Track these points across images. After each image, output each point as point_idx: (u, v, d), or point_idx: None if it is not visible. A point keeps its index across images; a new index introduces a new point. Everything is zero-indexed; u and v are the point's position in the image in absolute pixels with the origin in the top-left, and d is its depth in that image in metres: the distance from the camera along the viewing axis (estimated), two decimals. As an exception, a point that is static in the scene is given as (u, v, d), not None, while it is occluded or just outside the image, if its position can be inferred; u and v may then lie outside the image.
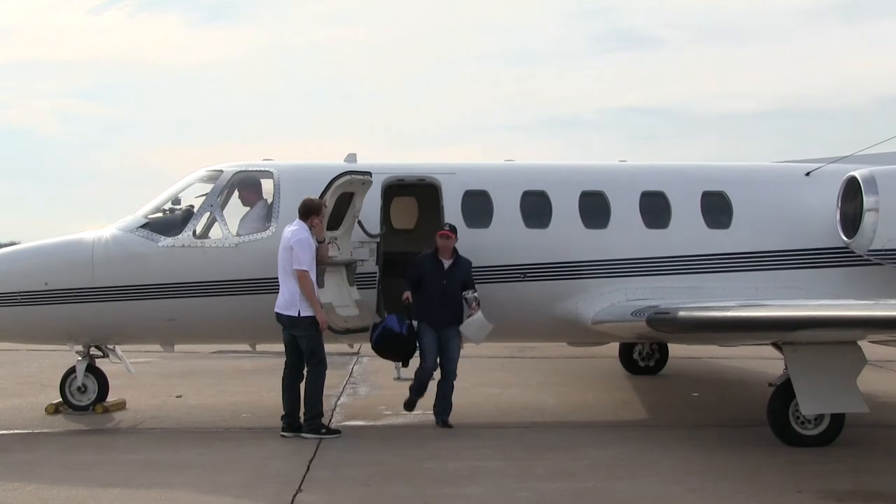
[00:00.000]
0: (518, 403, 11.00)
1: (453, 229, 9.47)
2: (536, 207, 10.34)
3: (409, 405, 9.79)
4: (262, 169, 10.37)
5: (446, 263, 9.44)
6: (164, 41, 65.75)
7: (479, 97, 63.00)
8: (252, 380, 12.55)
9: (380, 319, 9.57)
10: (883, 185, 9.98)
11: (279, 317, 9.06)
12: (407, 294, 9.41)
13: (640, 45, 64.42)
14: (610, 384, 12.58)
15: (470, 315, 9.40)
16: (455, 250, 9.47)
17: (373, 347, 9.56)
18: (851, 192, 10.19)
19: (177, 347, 10.73)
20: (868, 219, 9.95)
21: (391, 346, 9.50)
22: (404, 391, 10.89)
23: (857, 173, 10.19)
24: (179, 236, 9.84)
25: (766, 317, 8.49)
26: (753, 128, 56.88)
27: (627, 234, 10.36)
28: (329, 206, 9.47)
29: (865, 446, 8.78)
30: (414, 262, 9.53)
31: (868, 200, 9.95)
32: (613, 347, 13.29)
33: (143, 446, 8.69)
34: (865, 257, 10.20)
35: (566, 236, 10.29)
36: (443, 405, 9.59)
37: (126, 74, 67.35)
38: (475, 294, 9.47)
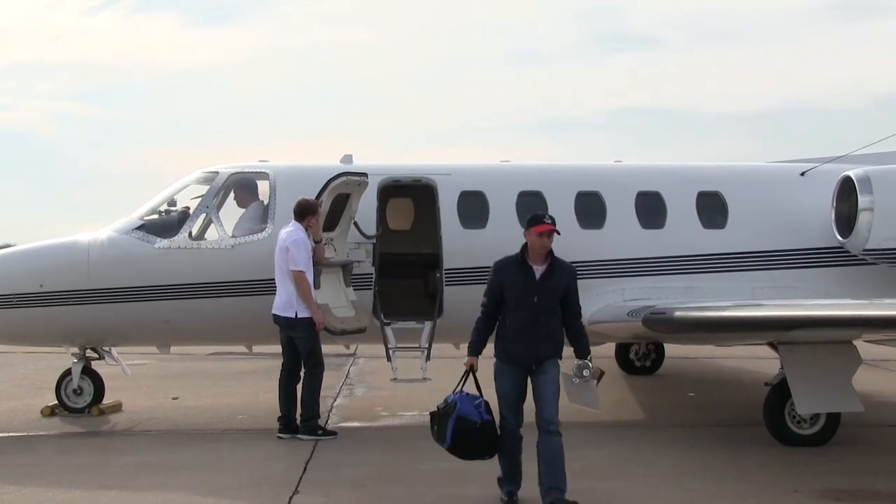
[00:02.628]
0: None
1: (553, 220, 6.67)
2: (532, 208, 10.33)
3: (509, 497, 6.74)
4: (259, 170, 10.38)
5: (538, 271, 6.56)
6: (160, 43, 65.69)
7: (477, 98, 63.05)
8: (248, 381, 12.55)
9: (444, 405, 6.69)
10: (878, 184, 10.01)
11: (276, 318, 9.06)
12: (472, 360, 6.65)
13: (638, 45, 64.52)
14: (606, 384, 12.46)
15: (584, 381, 6.71)
16: (551, 253, 6.71)
17: (449, 450, 6.71)
18: (846, 191, 10.22)
19: (173, 349, 10.72)
20: (863, 218, 9.98)
21: (472, 442, 6.58)
22: (401, 392, 10.93)
23: (851, 173, 10.22)
24: (175, 238, 9.84)
25: (761, 317, 8.51)
26: (751, 128, 56.99)
27: (623, 235, 10.38)
28: (325, 208, 9.47)
29: (861, 445, 8.80)
30: (493, 270, 6.76)
31: (863, 200, 9.98)
32: (609, 348, 13.31)
33: (140, 448, 8.68)
34: (860, 257, 10.22)
35: (562, 236, 10.24)
36: (551, 477, 6.47)
37: (122, 76, 67.32)
38: (587, 365, 6.63)
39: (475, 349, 6.71)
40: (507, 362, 6.59)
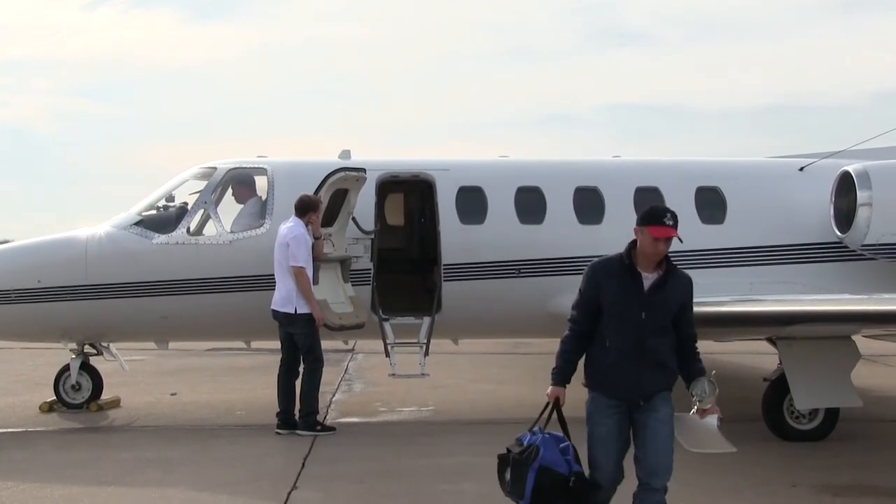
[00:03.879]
0: (513, 400, 11.00)
1: (675, 219, 5.13)
2: (531, 203, 10.35)
3: None
4: (257, 166, 10.36)
5: (649, 279, 5.14)
6: (158, 39, 65.68)
7: (474, 94, 63.06)
8: (247, 377, 12.54)
9: (520, 448, 5.19)
10: (876, 180, 9.99)
11: (276, 314, 9.05)
12: (556, 392, 5.21)
13: (636, 41, 64.51)
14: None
15: (697, 412, 5.21)
16: (667, 259, 5.20)
17: None
18: (845, 187, 10.20)
19: (171, 345, 10.70)
20: (862, 214, 9.96)
21: (558, 501, 5.09)
22: (399, 387, 10.94)
23: (850, 168, 10.20)
24: (174, 233, 9.82)
25: (760, 312, 8.51)
26: (749, 124, 57.02)
27: (622, 230, 10.27)
28: (323, 203, 9.46)
29: (860, 441, 8.80)
30: (588, 276, 5.27)
31: (861, 195, 9.96)
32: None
33: (138, 444, 8.68)
34: (859, 252, 10.21)
35: (561, 232, 10.29)
36: None
37: (120, 72, 67.27)
38: (709, 383, 5.15)
39: (561, 377, 5.23)
40: (604, 394, 5.13)
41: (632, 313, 5.07)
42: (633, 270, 5.12)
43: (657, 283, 5.11)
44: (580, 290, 5.27)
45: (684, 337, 5.21)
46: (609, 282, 5.14)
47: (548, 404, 5.23)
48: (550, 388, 5.23)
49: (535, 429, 5.23)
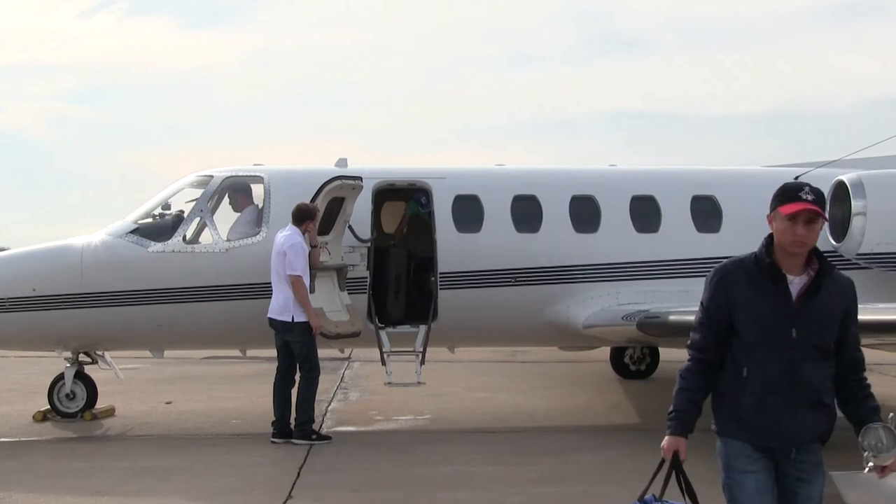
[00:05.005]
0: (509, 408, 10.99)
1: (818, 195, 3.92)
2: (527, 212, 10.37)
3: None
4: (253, 174, 10.37)
5: (797, 284, 3.83)
6: (155, 45, 65.63)
7: (472, 99, 63.15)
8: (242, 385, 12.51)
9: None
10: (870, 189, 10.04)
11: (272, 322, 9.04)
12: (676, 443, 3.91)
13: (632, 48, 64.63)
14: (601, 388, 12.59)
15: (870, 466, 4.01)
16: (818, 253, 3.89)
17: None
18: (839, 196, 10.24)
19: (167, 353, 10.68)
20: (856, 223, 10.00)
21: None
22: (396, 396, 10.93)
23: (844, 177, 10.24)
24: (169, 242, 9.81)
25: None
26: (746, 131, 57.18)
27: (618, 238, 10.39)
28: (320, 211, 9.47)
29: (858, 448, 8.78)
30: (715, 282, 3.95)
31: (856, 205, 10.00)
32: (604, 351, 13.31)
33: (133, 453, 8.65)
34: (854, 261, 10.24)
35: (557, 240, 10.31)
36: None
37: (117, 78, 67.26)
38: (887, 430, 3.94)
39: (682, 424, 3.90)
40: (745, 440, 3.86)
41: (778, 330, 3.76)
42: (776, 272, 3.78)
43: (809, 287, 3.79)
44: (702, 304, 3.94)
45: (848, 362, 4.00)
46: (743, 289, 3.81)
47: (662, 461, 3.91)
48: (666, 438, 3.89)
49: (649, 497, 4.02)
